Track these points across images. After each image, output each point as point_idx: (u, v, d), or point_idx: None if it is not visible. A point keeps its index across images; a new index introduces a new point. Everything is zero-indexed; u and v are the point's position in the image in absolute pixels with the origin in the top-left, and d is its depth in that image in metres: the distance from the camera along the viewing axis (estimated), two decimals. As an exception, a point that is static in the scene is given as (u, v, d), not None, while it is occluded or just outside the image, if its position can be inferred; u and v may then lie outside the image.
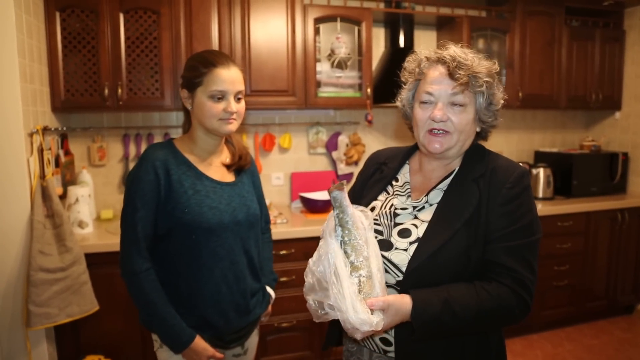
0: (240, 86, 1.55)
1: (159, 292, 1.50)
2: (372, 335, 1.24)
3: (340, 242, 1.12)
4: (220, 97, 1.51)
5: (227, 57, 1.56)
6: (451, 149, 1.26)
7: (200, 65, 1.52)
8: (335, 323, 1.30)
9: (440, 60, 1.24)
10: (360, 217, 1.17)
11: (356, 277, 1.09)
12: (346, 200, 1.15)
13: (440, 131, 1.24)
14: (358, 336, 1.08)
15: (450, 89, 1.21)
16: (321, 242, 1.14)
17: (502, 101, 1.27)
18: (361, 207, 1.21)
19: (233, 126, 1.55)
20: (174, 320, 1.50)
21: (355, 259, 1.11)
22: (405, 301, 1.11)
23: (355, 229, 1.13)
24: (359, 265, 1.10)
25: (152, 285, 1.49)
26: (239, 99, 1.56)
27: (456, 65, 1.20)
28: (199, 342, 1.52)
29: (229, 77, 1.51)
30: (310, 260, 1.14)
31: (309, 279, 1.12)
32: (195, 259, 1.53)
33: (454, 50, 1.25)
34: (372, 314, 1.07)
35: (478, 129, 1.29)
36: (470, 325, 1.16)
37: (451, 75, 1.21)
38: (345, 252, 1.11)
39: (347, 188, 1.17)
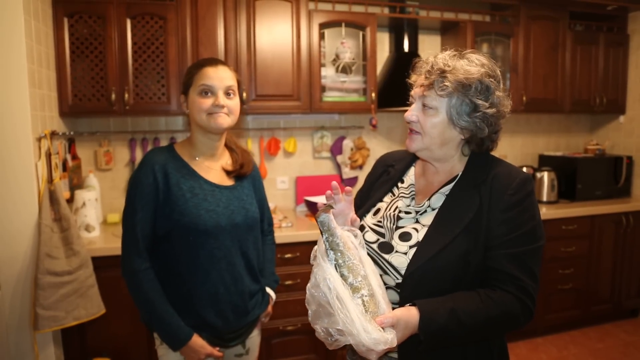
0: (230, 82, 1.59)
1: (158, 291, 1.54)
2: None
3: (335, 266, 1.11)
4: (208, 91, 1.56)
5: (217, 59, 1.63)
6: (424, 150, 1.28)
7: (192, 68, 1.61)
8: None
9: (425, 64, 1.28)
10: (350, 237, 1.17)
11: (359, 298, 1.08)
12: (333, 223, 1.15)
13: (414, 132, 1.28)
14: (373, 357, 1.06)
15: (418, 90, 1.25)
16: (315, 268, 1.12)
17: (489, 110, 1.21)
18: (347, 227, 1.21)
19: (223, 120, 1.57)
20: (171, 319, 1.53)
21: (353, 280, 1.09)
22: (412, 313, 1.11)
23: (347, 250, 1.12)
24: (359, 285, 1.09)
25: (151, 284, 1.53)
26: (229, 95, 1.59)
27: (428, 69, 1.23)
28: (197, 340, 1.56)
29: (216, 73, 1.57)
30: (307, 286, 1.12)
31: (311, 307, 1.10)
32: (193, 260, 1.56)
33: (442, 55, 1.26)
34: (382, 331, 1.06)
35: (462, 136, 1.26)
36: (476, 333, 1.17)
37: (424, 78, 1.24)
38: (342, 275, 1.10)
39: (332, 211, 1.17)
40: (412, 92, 1.29)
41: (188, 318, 1.57)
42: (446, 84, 1.19)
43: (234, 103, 1.60)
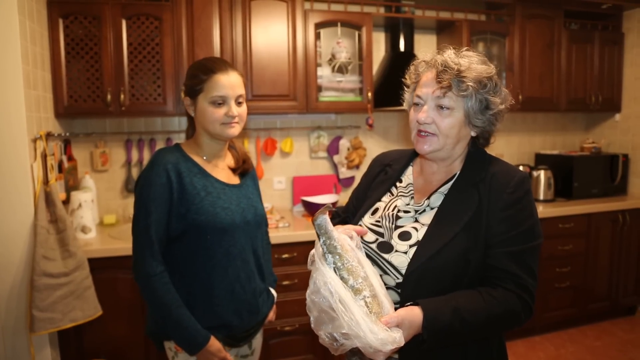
0: (240, 90, 1.59)
1: (173, 294, 1.52)
2: None
3: (334, 269, 1.10)
4: (221, 102, 1.55)
5: (226, 63, 1.60)
6: (439, 151, 1.27)
7: (200, 72, 1.56)
8: None
9: (432, 64, 1.26)
10: (346, 239, 1.16)
11: (361, 300, 1.07)
12: (330, 225, 1.14)
13: (426, 133, 1.25)
14: (381, 358, 1.06)
15: (436, 92, 1.23)
16: (313, 273, 1.11)
17: (502, 106, 1.25)
18: (342, 229, 1.21)
19: (235, 130, 1.59)
20: (188, 322, 1.51)
21: (354, 282, 1.09)
22: (415, 313, 1.11)
23: (345, 252, 1.12)
24: (360, 287, 1.08)
25: (166, 288, 1.51)
26: (239, 103, 1.60)
27: (442, 70, 1.22)
28: (214, 343, 1.55)
29: (228, 82, 1.55)
30: (307, 293, 1.11)
31: (313, 313, 1.09)
32: (210, 259, 1.56)
33: (448, 54, 1.25)
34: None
35: (473, 133, 1.28)
36: (479, 331, 1.17)
37: (437, 78, 1.22)
38: (342, 278, 1.09)
39: (328, 214, 1.16)
40: (420, 93, 1.26)
41: (204, 319, 1.56)
42: (469, 84, 1.20)
43: (244, 110, 1.62)
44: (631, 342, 3.43)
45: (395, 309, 1.13)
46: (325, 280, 1.06)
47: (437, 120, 1.23)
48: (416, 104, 1.28)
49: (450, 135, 1.24)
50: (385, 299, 1.11)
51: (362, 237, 1.31)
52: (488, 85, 1.22)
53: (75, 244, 2.30)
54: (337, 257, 1.11)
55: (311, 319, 1.10)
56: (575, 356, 3.25)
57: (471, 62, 1.23)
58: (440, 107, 1.23)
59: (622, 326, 3.69)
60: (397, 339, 1.03)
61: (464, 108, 1.23)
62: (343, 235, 1.17)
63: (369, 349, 1.03)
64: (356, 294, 1.07)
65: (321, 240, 1.13)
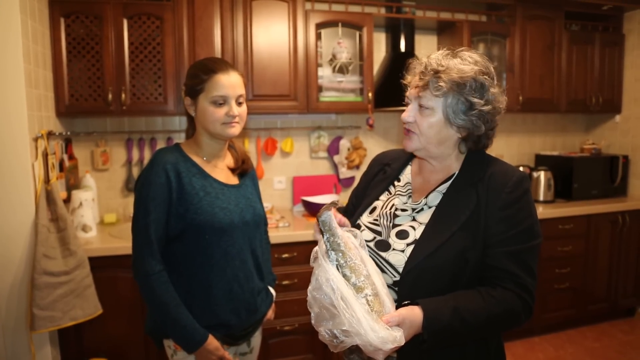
0: (241, 90, 1.60)
1: (172, 293, 1.53)
2: None
3: (337, 266, 1.11)
4: (222, 102, 1.56)
5: (226, 63, 1.61)
6: (421, 150, 1.29)
7: (201, 72, 1.57)
8: None
9: (420, 65, 1.28)
10: (350, 237, 1.17)
11: (363, 298, 1.07)
12: (334, 223, 1.15)
13: (410, 132, 1.29)
14: (380, 357, 1.06)
15: (415, 91, 1.25)
16: (316, 270, 1.12)
17: (485, 107, 1.22)
18: (346, 228, 1.22)
19: (236, 129, 1.60)
20: (186, 321, 1.52)
21: (356, 279, 1.09)
22: (416, 312, 1.11)
23: (348, 250, 1.12)
24: (362, 285, 1.09)
25: (165, 287, 1.52)
26: (240, 103, 1.61)
27: (422, 70, 1.24)
28: (212, 342, 1.56)
29: (229, 82, 1.56)
30: (309, 289, 1.11)
31: (314, 309, 1.09)
32: (208, 259, 1.57)
33: (435, 55, 1.27)
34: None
35: (459, 134, 1.26)
36: (479, 331, 1.18)
37: (419, 79, 1.25)
38: (345, 275, 1.09)
39: (334, 210, 1.17)
40: (408, 93, 1.30)
41: (202, 319, 1.57)
42: (441, 84, 1.20)
43: (244, 110, 1.63)
44: (630, 344, 3.43)
45: (396, 308, 1.14)
46: (327, 277, 1.07)
47: (418, 119, 1.26)
48: (407, 104, 1.31)
49: (429, 135, 1.25)
50: (387, 298, 1.12)
51: None
52: (468, 86, 1.20)
53: (75, 242, 2.31)
54: (340, 254, 1.12)
55: (312, 315, 1.11)
56: (574, 357, 3.25)
57: (458, 62, 1.22)
58: (422, 106, 1.25)
59: (621, 327, 3.69)
60: (397, 338, 1.03)
61: (442, 108, 1.23)
62: (347, 234, 1.18)
63: (369, 347, 1.03)
64: (358, 292, 1.08)
65: (325, 237, 1.14)
